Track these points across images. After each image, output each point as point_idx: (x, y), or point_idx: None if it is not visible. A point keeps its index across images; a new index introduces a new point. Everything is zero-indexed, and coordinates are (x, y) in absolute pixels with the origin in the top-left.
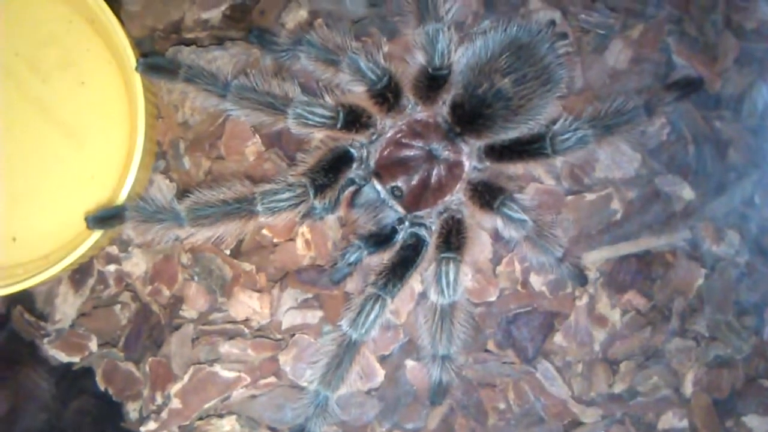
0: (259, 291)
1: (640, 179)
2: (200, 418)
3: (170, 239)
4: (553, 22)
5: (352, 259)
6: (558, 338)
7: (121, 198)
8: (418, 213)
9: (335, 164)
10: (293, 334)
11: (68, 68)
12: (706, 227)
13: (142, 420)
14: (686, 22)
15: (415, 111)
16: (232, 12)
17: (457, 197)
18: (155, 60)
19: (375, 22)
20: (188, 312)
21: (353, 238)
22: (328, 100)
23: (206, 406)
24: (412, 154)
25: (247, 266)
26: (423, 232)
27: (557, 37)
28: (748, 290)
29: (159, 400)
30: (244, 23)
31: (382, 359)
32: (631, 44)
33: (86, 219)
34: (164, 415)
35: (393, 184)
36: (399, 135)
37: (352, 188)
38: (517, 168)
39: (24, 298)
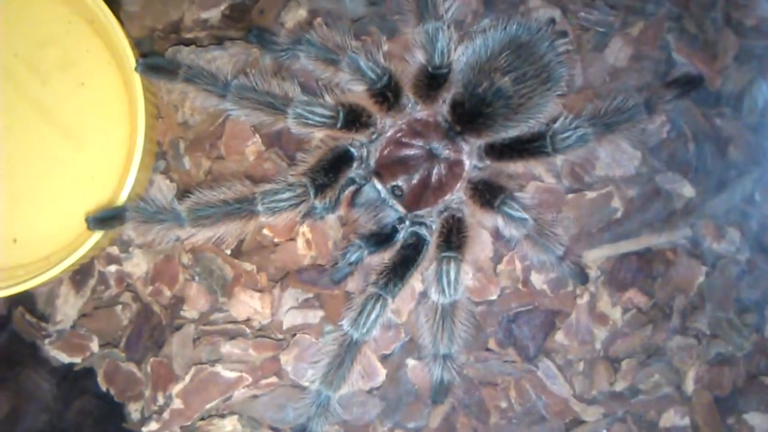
0: (260, 291)
1: (641, 177)
2: (202, 419)
3: (171, 239)
4: (552, 20)
5: (352, 258)
6: (559, 337)
7: (122, 198)
8: (419, 212)
9: (335, 164)
10: (294, 334)
11: (68, 69)
12: (707, 225)
13: (144, 420)
14: (686, 19)
15: (415, 110)
16: (232, 12)
17: (457, 196)
18: (155, 60)
19: (374, 21)
20: (189, 312)
21: (354, 238)
22: (328, 99)
23: (208, 406)
24: (412, 153)
25: (248, 266)
26: (423, 231)
27: (557, 35)
28: (749, 287)
29: (160, 400)
30: (244, 23)
31: (384, 358)
32: (631, 42)
33: (87, 220)
34: (166, 415)
35: (393, 183)
36: (399, 134)
37: (352, 188)
38: (517, 166)
39: (25, 299)
